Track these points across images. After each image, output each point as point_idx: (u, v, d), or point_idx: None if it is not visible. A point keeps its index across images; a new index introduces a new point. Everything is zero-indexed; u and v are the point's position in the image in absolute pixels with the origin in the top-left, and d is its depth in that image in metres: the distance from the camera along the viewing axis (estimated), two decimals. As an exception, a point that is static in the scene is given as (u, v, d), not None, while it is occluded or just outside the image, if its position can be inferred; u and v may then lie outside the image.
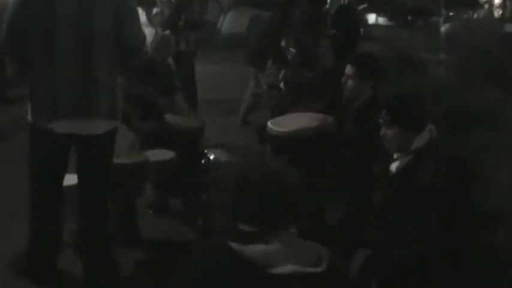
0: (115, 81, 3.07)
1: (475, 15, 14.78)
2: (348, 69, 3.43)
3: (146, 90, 4.68)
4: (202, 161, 3.84)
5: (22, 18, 2.81)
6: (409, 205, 2.49)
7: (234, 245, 1.59)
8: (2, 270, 3.24)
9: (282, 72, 5.55)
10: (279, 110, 4.49)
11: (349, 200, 3.02)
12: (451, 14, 13.54)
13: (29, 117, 2.97)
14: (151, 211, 4.19)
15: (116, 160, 3.65)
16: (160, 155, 4.18)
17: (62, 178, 3.13)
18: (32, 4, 2.80)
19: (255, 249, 1.58)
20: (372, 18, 21.25)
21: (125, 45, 3.00)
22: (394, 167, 2.70)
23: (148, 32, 7.68)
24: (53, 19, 2.80)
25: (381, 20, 22.19)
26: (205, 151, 3.90)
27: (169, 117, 4.65)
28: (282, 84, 5.52)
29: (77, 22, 2.83)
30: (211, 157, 3.77)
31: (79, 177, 3.18)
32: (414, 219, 2.46)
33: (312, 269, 1.63)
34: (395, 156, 2.71)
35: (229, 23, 16.26)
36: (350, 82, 3.41)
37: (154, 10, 7.85)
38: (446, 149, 2.90)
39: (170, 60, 6.02)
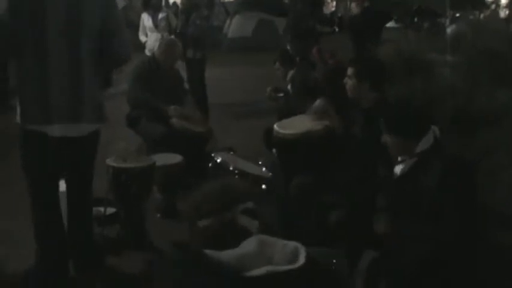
0: (99, 86, 3.17)
1: (482, 16, 14.73)
2: (348, 69, 3.46)
3: (153, 98, 4.69)
4: (209, 165, 3.85)
5: (10, 23, 2.84)
6: (417, 207, 2.49)
7: (210, 252, 1.58)
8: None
9: (290, 74, 5.54)
10: (286, 113, 4.48)
11: (355, 202, 3.02)
12: (457, 15, 13.51)
13: (19, 119, 3.01)
14: (159, 214, 4.20)
15: (124, 164, 3.68)
16: (168, 158, 4.19)
17: (58, 180, 3.21)
18: (20, 9, 2.84)
19: (230, 255, 1.58)
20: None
21: (110, 55, 3.10)
22: (398, 169, 2.70)
23: (154, 37, 7.74)
24: (42, 24, 2.86)
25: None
26: (212, 154, 3.91)
27: (176, 121, 4.67)
28: (289, 86, 5.51)
29: (66, 27, 2.91)
30: (218, 160, 3.78)
31: (66, 179, 3.26)
32: (423, 221, 2.46)
33: (288, 267, 1.63)
34: (399, 158, 2.71)
35: (235, 26, 16.31)
36: (349, 82, 3.42)
37: (160, 15, 7.89)
38: (454, 150, 2.89)
39: (181, 65, 6.04)
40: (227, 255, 1.58)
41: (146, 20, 7.94)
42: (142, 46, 8.00)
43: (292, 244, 1.73)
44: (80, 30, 2.95)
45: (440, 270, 2.42)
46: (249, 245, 1.63)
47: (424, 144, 2.60)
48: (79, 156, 3.18)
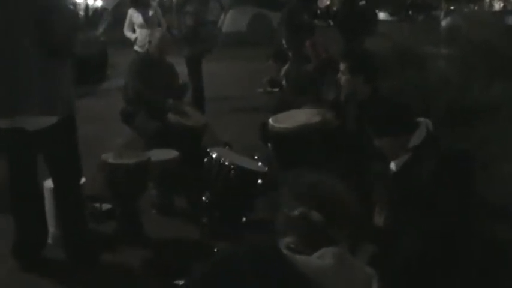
0: (52, 75, 3.06)
1: (476, 9, 14.75)
2: (341, 65, 3.46)
3: (151, 92, 4.66)
4: (205, 160, 3.84)
5: None
6: (413, 202, 2.49)
7: (285, 251, 1.41)
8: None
9: (284, 69, 5.55)
10: (281, 107, 4.48)
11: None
12: (451, 7, 13.53)
13: None
14: (155, 210, 4.20)
15: (119, 160, 3.68)
16: (163, 154, 4.18)
17: (32, 174, 3.23)
18: None
19: (306, 264, 1.38)
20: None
21: (51, 37, 3.03)
22: (393, 165, 2.69)
23: (145, 33, 7.68)
24: None
25: (382, 15, 22.19)
26: (208, 149, 3.90)
27: (172, 117, 4.65)
28: (284, 81, 5.52)
29: (4, 23, 2.93)
30: (214, 155, 3.77)
31: (50, 176, 3.32)
32: (418, 215, 2.45)
33: None
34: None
35: (229, 21, 16.28)
36: (343, 78, 3.43)
37: (150, 12, 7.85)
38: (449, 142, 2.89)
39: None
40: (303, 262, 1.37)
41: (136, 16, 7.87)
42: (130, 42, 7.94)
43: (367, 269, 1.54)
44: (16, 23, 2.94)
45: (437, 266, 2.42)
46: (326, 258, 1.43)
47: (417, 138, 2.59)
48: (50, 150, 3.17)
